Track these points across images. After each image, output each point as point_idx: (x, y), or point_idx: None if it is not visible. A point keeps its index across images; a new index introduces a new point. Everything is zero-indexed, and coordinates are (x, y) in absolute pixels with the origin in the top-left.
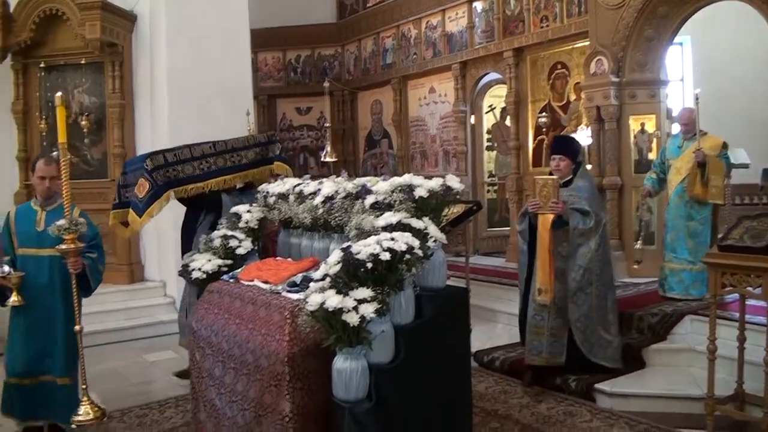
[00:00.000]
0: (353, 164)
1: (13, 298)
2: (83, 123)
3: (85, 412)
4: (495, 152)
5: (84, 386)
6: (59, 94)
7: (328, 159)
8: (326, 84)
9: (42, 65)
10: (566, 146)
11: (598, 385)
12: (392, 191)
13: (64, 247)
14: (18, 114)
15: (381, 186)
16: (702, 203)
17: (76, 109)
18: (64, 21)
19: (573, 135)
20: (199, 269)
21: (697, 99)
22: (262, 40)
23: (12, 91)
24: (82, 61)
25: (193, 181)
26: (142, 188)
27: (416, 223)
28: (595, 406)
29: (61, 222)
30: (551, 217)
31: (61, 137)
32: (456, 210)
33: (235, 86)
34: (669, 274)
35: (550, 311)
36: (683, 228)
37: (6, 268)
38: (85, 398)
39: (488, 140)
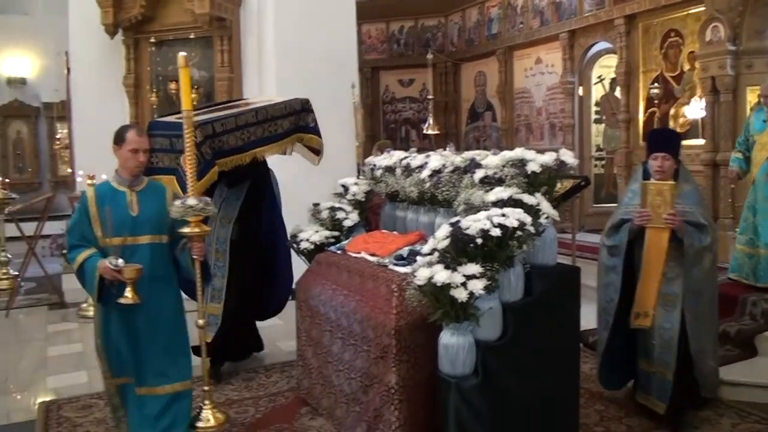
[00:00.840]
0: (455, 137)
1: (128, 295)
2: (193, 96)
3: (206, 418)
4: (603, 125)
5: (207, 388)
6: (182, 54)
7: (430, 132)
8: (429, 56)
9: (152, 40)
10: (672, 142)
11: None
12: (503, 166)
13: (187, 230)
14: (129, 88)
15: (491, 160)
16: None
17: None
18: None
19: (688, 108)
20: (308, 240)
21: None
22: (366, 11)
23: (123, 66)
24: (191, 36)
25: (235, 152)
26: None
27: (528, 198)
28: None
29: (193, 202)
30: (667, 233)
31: (186, 103)
32: (564, 185)
33: (341, 59)
34: (763, 261)
35: (656, 345)
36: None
37: (120, 261)
38: (208, 402)
39: (596, 113)
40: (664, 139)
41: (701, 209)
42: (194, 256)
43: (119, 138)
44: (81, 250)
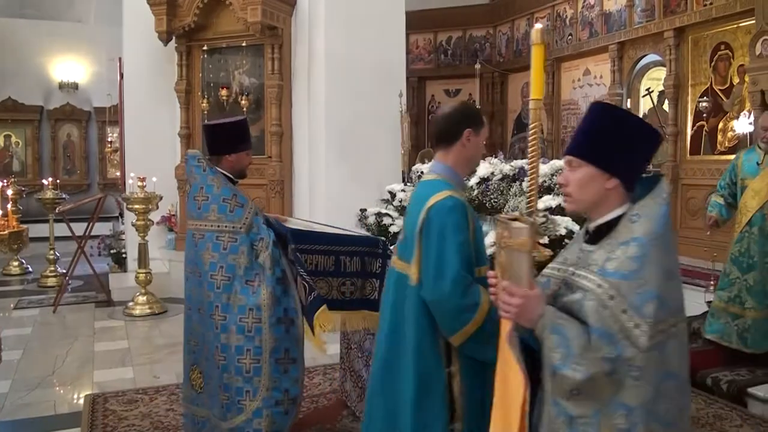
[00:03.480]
0: (501, 147)
1: None
2: (243, 102)
3: None
4: None
5: None
6: (539, 26)
7: None
8: (477, 66)
9: (204, 48)
10: (596, 134)
11: (751, 390)
12: (552, 174)
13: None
14: (181, 93)
15: (540, 169)
16: None
17: (237, 89)
18: (226, 5)
19: (736, 122)
20: None
21: None
22: (414, 22)
23: (175, 72)
24: (243, 44)
25: None
26: (302, 289)
27: None
28: (747, 412)
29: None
30: (507, 326)
31: (536, 92)
32: None
33: (389, 68)
34: (754, 324)
35: None
36: (763, 267)
37: None
38: None
39: None
40: (586, 129)
41: (642, 293)
42: None
43: (477, 120)
44: (479, 289)
